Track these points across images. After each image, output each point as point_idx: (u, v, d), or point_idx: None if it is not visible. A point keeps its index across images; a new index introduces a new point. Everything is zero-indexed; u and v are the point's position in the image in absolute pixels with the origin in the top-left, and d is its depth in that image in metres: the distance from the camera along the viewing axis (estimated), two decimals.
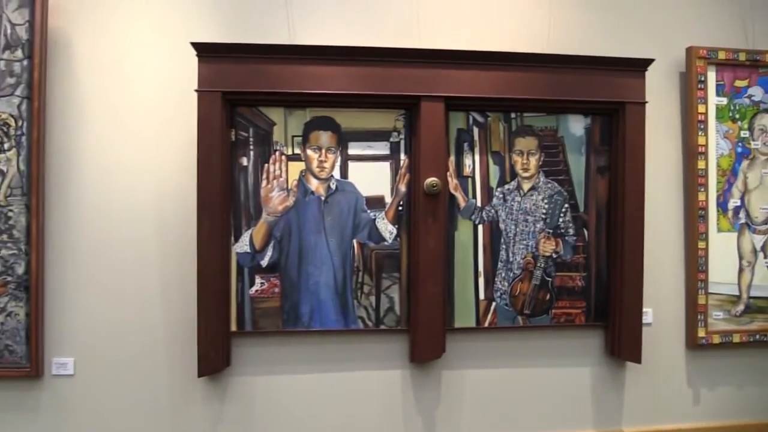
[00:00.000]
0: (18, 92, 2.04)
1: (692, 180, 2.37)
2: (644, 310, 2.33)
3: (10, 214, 2.04)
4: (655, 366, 2.37)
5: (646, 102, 2.24)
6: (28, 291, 2.04)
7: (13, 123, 2.04)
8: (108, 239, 2.13)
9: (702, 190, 2.36)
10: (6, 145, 2.04)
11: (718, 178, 2.39)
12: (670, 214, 2.40)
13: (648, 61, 2.23)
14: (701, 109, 2.37)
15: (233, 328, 2.13)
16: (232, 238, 2.12)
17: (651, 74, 2.31)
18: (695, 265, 2.36)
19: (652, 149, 2.36)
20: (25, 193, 2.04)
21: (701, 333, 2.36)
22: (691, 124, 2.37)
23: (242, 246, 2.13)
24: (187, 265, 2.10)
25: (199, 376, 2.05)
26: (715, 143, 2.38)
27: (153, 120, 2.15)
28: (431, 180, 2.11)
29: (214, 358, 2.06)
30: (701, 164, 2.37)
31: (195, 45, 2.02)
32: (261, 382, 2.18)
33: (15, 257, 2.04)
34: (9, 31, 2.04)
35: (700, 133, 2.36)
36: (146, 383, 2.14)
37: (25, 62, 2.04)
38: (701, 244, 2.36)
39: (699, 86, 2.36)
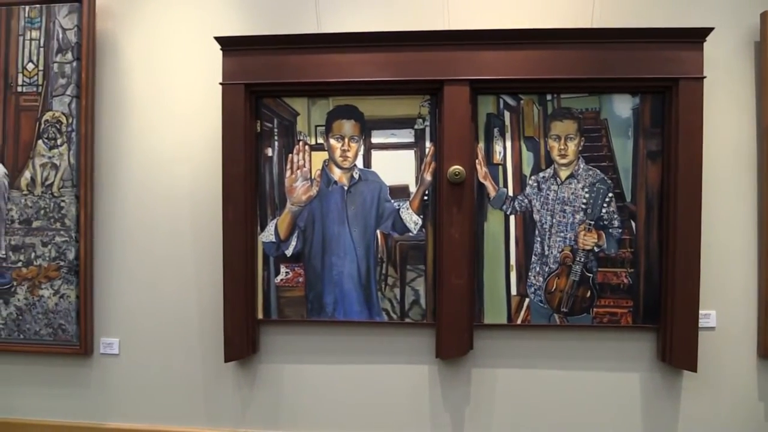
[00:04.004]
0: (68, 92, 2.21)
1: (766, 164, 2.06)
2: (707, 312, 2.09)
3: (62, 204, 2.22)
4: (719, 375, 2.10)
5: (704, 77, 1.97)
6: (78, 275, 2.22)
7: (64, 120, 2.21)
8: (149, 227, 2.25)
9: None
10: (59, 141, 2.22)
11: None
12: (741, 205, 2.10)
13: (705, 31, 1.97)
14: None
15: (260, 315, 2.17)
16: (258, 228, 2.17)
17: (719, 46, 2.07)
18: None
19: (720, 131, 2.09)
20: (75, 185, 2.21)
21: None
22: (765, 101, 2.06)
23: (268, 235, 2.16)
24: (219, 253, 2.16)
25: (226, 361, 2.11)
26: None
27: (191, 115, 2.23)
28: (454, 168, 2.01)
29: (238, 344, 2.11)
30: None
31: (219, 39, 2.07)
32: (288, 370, 2.21)
33: (67, 244, 2.22)
34: (61, 36, 2.21)
35: None
36: (182, 365, 2.25)
37: (75, 64, 2.21)
38: None
39: None
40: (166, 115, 2.25)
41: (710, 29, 1.98)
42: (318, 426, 2.20)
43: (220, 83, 2.08)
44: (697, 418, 2.11)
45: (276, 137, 2.16)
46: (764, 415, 2.11)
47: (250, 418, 2.22)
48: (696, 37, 2.00)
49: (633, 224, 2.08)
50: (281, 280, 2.17)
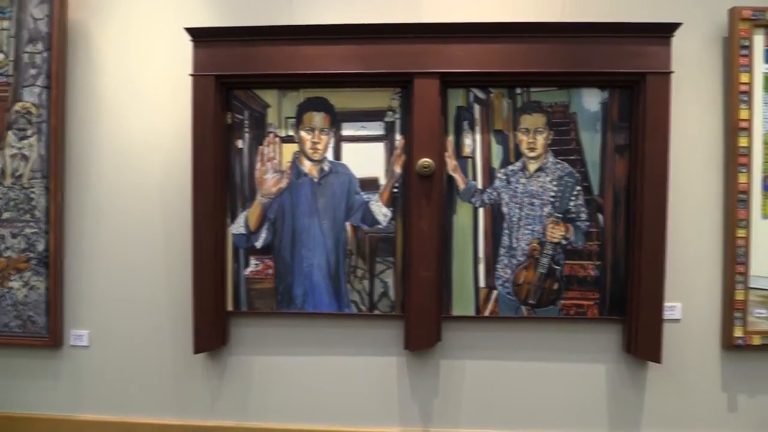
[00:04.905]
0: (39, 82, 2.20)
1: (732, 159, 2.08)
2: (673, 304, 2.11)
3: (32, 195, 2.21)
4: (683, 366, 2.12)
5: (672, 72, 2.00)
6: (48, 267, 2.21)
7: (34, 111, 2.20)
8: (119, 219, 2.25)
9: (744, 170, 2.07)
10: (29, 132, 2.20)
11: (765, 157, 2.08)
12: (707, 199, 2.13)
13: (673, 26, 1.99)
14: (744, 78, 2.07)
15: (229, 307, 2.18)
16: (229, 219, 2.17)
17: (687, 41, 2.09)
18: (733, 256, 2.08)
19: (688, 126, 2.12)
20: (45, 176, 2.20)
21: (738, 332, 2.08)
22: (732, 96, 2.08)
23: (238, 227, 2.16)
24: (189, 245, 2.15)
25: (195, 352, 2.11)
26: (762, 117, 2.08)
27: (163, 106, 2.23)
28: (423, 161, 2.02)
29: (208, 336, 2.11)
30: (743, 141, 2.08)
31: (189, 30, 2.06)
32: (258, 362, 2.22)
33: (36, 235, 2.21)
34: (32, 26, 2.20)
35: (742, 106, 2.07)
36: (152, 357, 2.25)
37: (45, 54, 2.20)
38: (741, 233, 2.08)
39: (742, 52, 2.07)
40: (137, 107, 2.24)
41: (678, 24, 2.00)
42: (287, 417, 2.21)
43: (191, 74, 2.08)
44: (662, 408, 2.14)
45: (246, 129, 2.16)
46: (727, 405, 2.14)
47: (220, 409, 2.23)
48: (664, 32, 2.02)
49: (600, 217, 2.09)
50: (251, 272, 2.17)
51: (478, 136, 2.12)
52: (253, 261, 2.16)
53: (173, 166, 2.21)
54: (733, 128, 2.09)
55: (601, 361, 2.14)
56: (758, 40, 2.08)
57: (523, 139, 2.11)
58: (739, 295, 2.08)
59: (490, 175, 2.12)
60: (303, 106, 2.14)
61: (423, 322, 2.07)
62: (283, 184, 2.14)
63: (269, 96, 2.15)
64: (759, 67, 2.08)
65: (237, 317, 2.21)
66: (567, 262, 2.10)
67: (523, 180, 2.10)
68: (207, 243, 2.10)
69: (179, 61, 2.19)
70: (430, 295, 2.06)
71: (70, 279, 2.26)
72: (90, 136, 2.25)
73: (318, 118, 2.14)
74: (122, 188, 2.24)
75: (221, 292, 2.15)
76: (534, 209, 2.10)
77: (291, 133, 2.14)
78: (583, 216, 2.09)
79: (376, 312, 2.15)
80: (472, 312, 2.13)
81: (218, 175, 2.11)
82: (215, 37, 2.08)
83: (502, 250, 2.11)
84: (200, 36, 2.08)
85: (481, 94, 2.11)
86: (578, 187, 2.09)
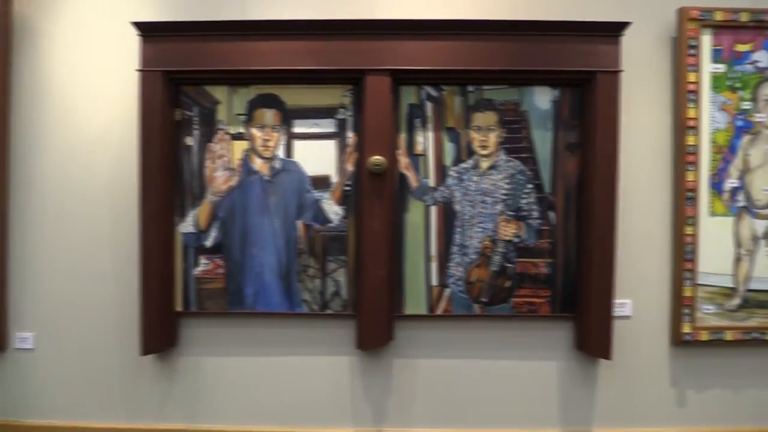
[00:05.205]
0: None
1: (681, 158, 2.11)
2: (623, 301, 2.13)
3: None
4: (633, 363, 2.15)
5: (621, 71, 2.01)
6: None
7: None
8: (66, 219, 2.19)
9: (692, 168, 2.10)
10: None
11: (713, 156, 2.11)
12: (656, 197, 2.15)
13: (622, 25, 2.00)
14: (692, 77, 2.10)
15: (179, 308, 2.14)
16: (178, 218, 2.12)
17: (636, 41, 2.12)
18: (681, 252, 2.10)
19: (638, 124, 2.14)
20: None
21: (686, 328, 2.11)
22: (680, 96, 2.11)
23: (187, 226, 2.12)
24: (137, 244, 2.11)
25: (143, 354, 2.06)
26: (710, 116, 2.11)
27: (112, 102, 2.17)
28: (375, 158, 2.00)
29: (156, 337, 2.07)
30: (691, 140, 2.10)
31: (137, 24, 2.02)
32: (208, 363, 2.18)
33: None
34: None
35: (690, 105, 2.10)
36: (99, 359, 2.20)
37: None
38: (689, 230, 2.10)
39: (690, 52, 2.10)
40: (85, 103, 2.18)
41: (627, 24, 2.02)
42: (239, 419, 2.17)
43: (138, 70, 2.04)
44: (612, 404, 2.16)
45: (196, 126, 2.12)
46: (676, 400, 2.16)
47: (170, 411, 2.18)
48: (613, 31, 2.03)
49: (551, 215, 2.10)
50: (201, 271, 2.13)
51: (430, 134, 2.11)
52: (202, 260, 2.12)
53: (121, 164, 2.16)
54: (682, 127, 2.11)
55: (553, 358, 2.15)
56: (706, 40, 2.11)
57: (475, 136, 2.11)
58: (688, 292, 2.11)
59: (442, 172, 2.11)
60: (254, 103, 2.11)
61: (375, 321, 2.05)
62: (234, 182, 2.11)
63: (219, 92, 2.11)
64: (706, 66, 2.11)
65: (187, 318, 2.17)
66: (519, 259, 2.11)
67: (475, 178, 2.10)
68: (155, 242, 2.05)
69: (128, 56, 2.14)
70: (383, 293, 2.05)
71: (15, 280, 2.19)
72: (36, 133, 2.19)
73: (269, 115, 2.11)
74: (69, 186, 2.19)
75: (170, 292, 2.11)
76: (486, 207, 2.10)
77: (241, 130, 2.11)
78: (535, 214, 2.10)
79: (328, 311, 2.13)
80: (424, 310, 2.12)
81: (167, 172, 2.07)
82: (163, 31, 2.04)
83: (454, 248, 2.11)
84: (148, 30, 2.03)
85: (433, 92, 2.11)
86: (530, 185, 2.10)
